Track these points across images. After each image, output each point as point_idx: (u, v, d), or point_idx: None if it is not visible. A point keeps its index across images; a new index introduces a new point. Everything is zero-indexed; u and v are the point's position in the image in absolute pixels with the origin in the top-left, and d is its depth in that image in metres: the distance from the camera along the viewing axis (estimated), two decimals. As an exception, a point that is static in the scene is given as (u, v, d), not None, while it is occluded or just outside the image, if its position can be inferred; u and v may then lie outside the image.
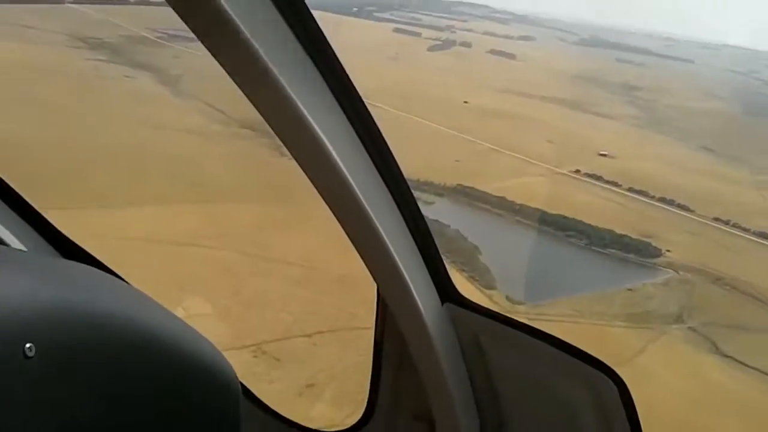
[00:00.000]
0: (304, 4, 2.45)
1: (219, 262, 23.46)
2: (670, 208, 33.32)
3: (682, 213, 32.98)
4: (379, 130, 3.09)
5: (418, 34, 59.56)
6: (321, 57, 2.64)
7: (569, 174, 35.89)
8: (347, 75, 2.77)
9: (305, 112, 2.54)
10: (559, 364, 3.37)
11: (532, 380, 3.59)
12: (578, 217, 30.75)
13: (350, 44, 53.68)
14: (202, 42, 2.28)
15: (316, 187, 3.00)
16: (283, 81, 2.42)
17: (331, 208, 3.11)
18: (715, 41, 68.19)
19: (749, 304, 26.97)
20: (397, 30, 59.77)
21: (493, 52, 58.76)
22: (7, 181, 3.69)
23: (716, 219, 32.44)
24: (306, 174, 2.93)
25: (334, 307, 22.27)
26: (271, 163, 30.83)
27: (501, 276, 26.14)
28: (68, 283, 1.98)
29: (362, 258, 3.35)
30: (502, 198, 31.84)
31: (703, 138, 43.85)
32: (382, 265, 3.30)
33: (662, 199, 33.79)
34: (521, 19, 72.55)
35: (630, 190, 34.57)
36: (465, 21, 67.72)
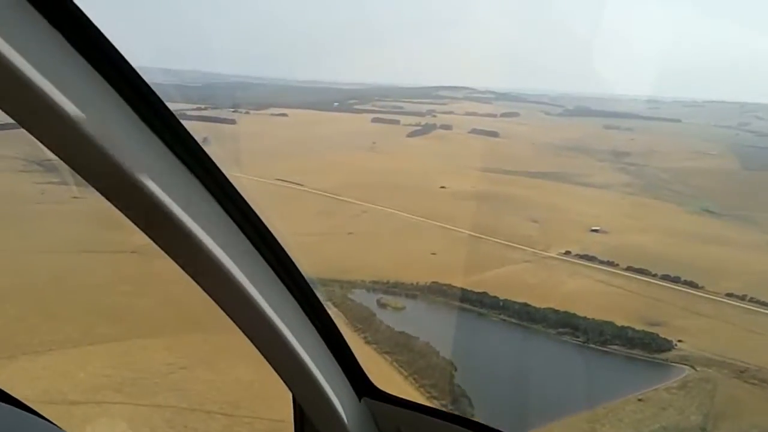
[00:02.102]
0: (181, 125, 2.10)
1: (120, 424, 18.02)
2: (676, 287, 27.68)
3: (691, 291, 27.33)
4: (270, 232, 2.61)
5: (397, 122, 56.53)
6: (205, 171, 2.26)
7: (558, 257, 30.45)
8: (232, 184, 2.37)
9: (193, 227, 2.23)
10: None
11: None
12: (571, 309, 25.25)
13: (326, 139, 49.65)
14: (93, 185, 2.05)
15: (213, 299, 2.57)
16: (172, 206, 2.14)
17: (232, 319, 2.69)
18: (700, 98, 64.41)
19: (784, 398, 21.27)
20: (375, 120, 57.12)
21: (474, 131, 55.80)
22: None
23: (730, 295, 26.71)
24: (200, 286, 2.49)
25: (261, 476, 16.69)
26: None
27: (480, 401, 20.32)
28: None
29: (272, 366, 2.96)
30: (483, 294, 26.42)
31: (702, 200, 38.69)
32: (293, 370, 2.97)
33: (666, 277, 28.18)
34: (503, 96, 69.08)
35: (629, 269, 29.01)
36: (446, 104, 64.58)
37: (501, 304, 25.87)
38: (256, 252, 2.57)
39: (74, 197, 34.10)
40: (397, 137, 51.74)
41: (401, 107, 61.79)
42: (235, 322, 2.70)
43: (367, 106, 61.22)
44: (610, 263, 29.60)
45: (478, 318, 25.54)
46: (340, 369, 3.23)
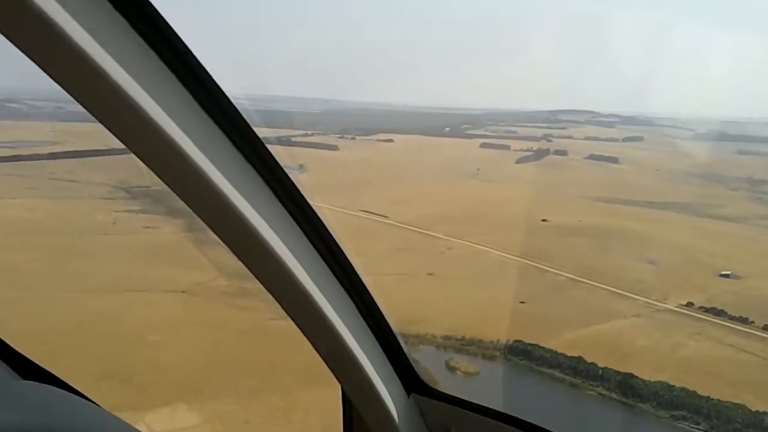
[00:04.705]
0: (250, 127, 2.29)
1: None
2: (833, 355, 20.55)
3: None
4: (328, 231, 2.75)
5: (507, 147, 49.83)
6: (268, 171, 2.43)
7: (677, 310, 23.75)
8: (290, 178, 2.51)
9: (256, 224, 2.37)
10: None
11: None
12: (691, 384, 18.72)
13: (428, 166, 44.76)
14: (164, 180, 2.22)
15: (270, 291, 2.73)
16: (239, 204, 2.28)
17: (287, 312, 2.81)
18: None
19: None
20: (484, 145, 50.74)
21: (591, 157, 48.82)
22: None
23: None
24: (258, 279, 2.67)
25: None
26: (264, 330, 21.52)
27: None
28: (27, 405, 1.81)
29: (322, 358, 3.05)
30: (578, 359, 20.22)
31: None
32: (342, 362, 3.02)
33: (818, 342, 21.03)
34: (629, 120, 61.94)
35: (767, 329, 21.96)
36: (564, 128, 58.52)
37: (600, 373, 19.56)
38: (312, 247, 2.62)
39: (146, 227, 31.26)
40: (504, 164, 46.23)
41: (515, 132, 56.13)
42: (288, 314, 2.73)
43: (480, 131, 56.07)
44: (742, 320, 22.44)
45: (569, 391, 19.45)
46: (389, 363, 3.13)
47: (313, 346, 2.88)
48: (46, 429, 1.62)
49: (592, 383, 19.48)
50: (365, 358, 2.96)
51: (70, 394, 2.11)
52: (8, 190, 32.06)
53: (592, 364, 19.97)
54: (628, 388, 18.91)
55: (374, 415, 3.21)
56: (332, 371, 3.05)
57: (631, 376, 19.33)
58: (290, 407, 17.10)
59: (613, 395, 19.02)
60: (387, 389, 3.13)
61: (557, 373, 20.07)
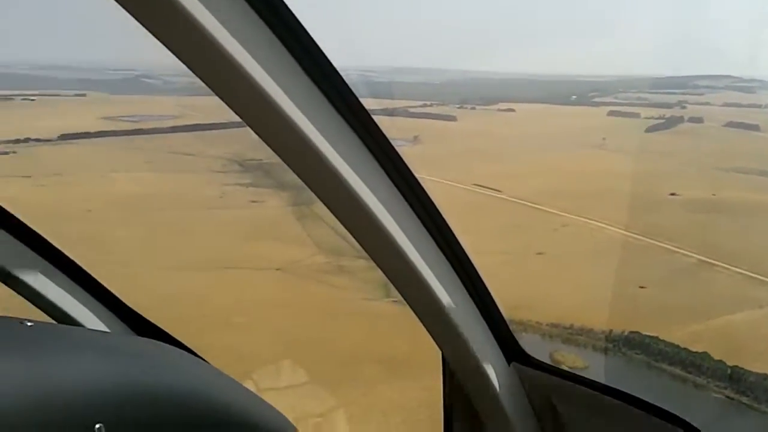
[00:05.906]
0: (346, 85, 2.22)
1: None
2: None
3: None
4: (429, 197, 2.68)
5: (637, 115, 46.81)
6: (371, 139, 2.39)
7: (826, 299, 20.36)
8: (396, 150, 2.48)
9: (356, 186, 2.34)
10: (638, 423, 2.94)
11: None
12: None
13: (550, 137, 42.10)
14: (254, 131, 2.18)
15: (371, 256, 2.69)
16: (335, 162, 2.24)
17: (388, 277, 2.80)
18: None
19: None
20: (612, 113, 47.62)
21: (730, 124, 44.32)
22: (81, 264, 3.28)
23: None
24: (360, 244, 2.63)
25: None
26: (355, 312, 20.19)
27: None
28: (140, 361, 1.89)
29: (423, 324, 3.02)
30: (703, 355, 17.47)
31: None
32: (443, 329, 3.01)
33: None
34: (772, 84, 56.59)
35: None
36: (701, 94, 53.86)
37: (728, 372, 16.77)
38: (415, 216, 2.58)
39: (252, 201, 30.68)
40: (632, 132, 42.81)
41: (646, 99, 52.19)
42: (391, 282, 2.72)
43: (608, 99, 52.48)
44: None
45: (693, 391, 16.86)
46: (489, 331, 3.11)
47: (415, 313, 2.85)
48: (159, 384, 1.61)
49: (718, 384, 16.75)
50: (466, 324, 2.91)
51: (183, 351, 2.16)
52: (126, 164, 32.31)
53: (720, 362, 17.20)
54: (762, 392, 16.10)
55: (474, 382, 3.17)
56: (433, 338, 3.02)
57: (766, 377, 16.47)
58: (371, 404, 15.57)
59: (744, 399, 16.25)
60: (486, 357, 3.07)
61: (678, 371, 17.46)
